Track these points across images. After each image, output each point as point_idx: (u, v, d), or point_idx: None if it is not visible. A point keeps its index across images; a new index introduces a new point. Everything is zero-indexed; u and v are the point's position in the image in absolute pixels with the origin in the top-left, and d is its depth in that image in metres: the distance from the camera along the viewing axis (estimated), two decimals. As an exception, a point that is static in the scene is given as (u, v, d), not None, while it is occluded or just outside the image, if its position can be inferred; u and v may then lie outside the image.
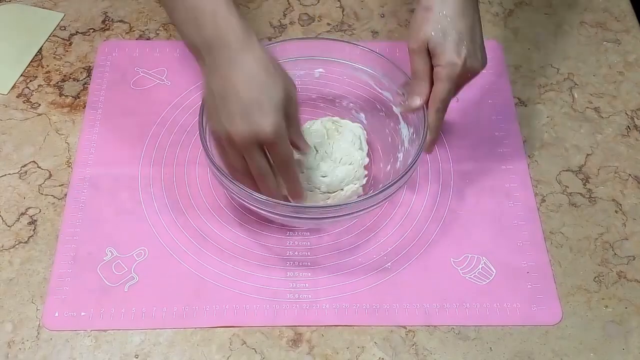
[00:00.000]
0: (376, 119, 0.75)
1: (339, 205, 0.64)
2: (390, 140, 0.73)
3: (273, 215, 0.63)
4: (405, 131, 0.71)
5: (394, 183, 0.62)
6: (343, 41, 0.73)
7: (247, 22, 0.58)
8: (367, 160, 0.70)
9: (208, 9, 0.57)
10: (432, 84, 0.66)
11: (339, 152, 0.68)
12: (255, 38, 0.58)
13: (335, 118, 0.72)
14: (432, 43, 0.64)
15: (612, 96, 0.81)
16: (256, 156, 0.59)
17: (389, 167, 0.72)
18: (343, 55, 0.72)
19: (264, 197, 0.61)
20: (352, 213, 0.63)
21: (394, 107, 0.72)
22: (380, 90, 0.73)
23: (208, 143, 0.64)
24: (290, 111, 0.59)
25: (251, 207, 0.63)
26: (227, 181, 0.62)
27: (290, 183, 0.62)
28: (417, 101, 0.66)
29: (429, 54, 0.65)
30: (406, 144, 0.70)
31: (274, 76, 0.57)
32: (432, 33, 0.63)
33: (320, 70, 0.74)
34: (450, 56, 0.63)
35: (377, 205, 0.64)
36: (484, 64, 0.66)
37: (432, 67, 0.65)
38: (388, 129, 0.74)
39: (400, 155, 0.71)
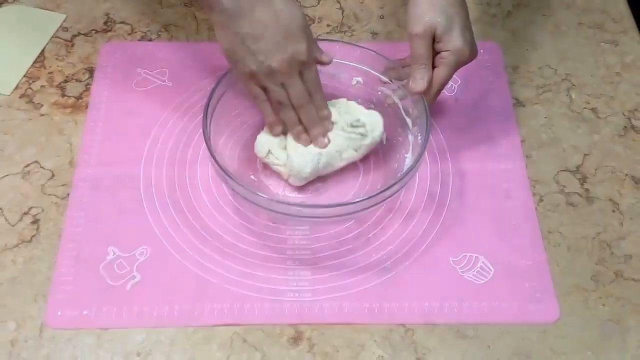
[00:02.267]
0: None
1: (340, 205, 0.65)
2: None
3: (273, 214, 0.64)
4: (407, 131, 0.72)
5: (395, 184, 0.63)
6: (343, 42, 0.74)
7: None
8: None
9: None
10: (432, 67, 0.67)
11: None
12: None
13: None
14: (440, 29, 0.65)
15: (610, 97, 0.81)
16: (296, 81, 0.65)
17: (388, 167, 0.73)
18: (343, 56, 0.73)
19: (265, 195, 0.62)
20: (352, 213, 0.64)
21: (390, 96, 0.73)
22: (379, 90, 0.73)
23: (211, 142, 0.65)
24: (308, 33, 0.64)
25: (252, 205, 0.64)
26: (229, 179, 0.63)
27: (322, 102, 0.68)
28: (421, 85, 0.67)
29: (432, 39, 0.66)
30: (411, 144, 0.71)
31: (292, 5, 0.63)
32: (440, 19, 0.65)
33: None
34: (459, 43, 0.65)
35: (377, 206, 0.65)
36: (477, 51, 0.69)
37: (431, 51, 0.67)
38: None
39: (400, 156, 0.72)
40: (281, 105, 0.66)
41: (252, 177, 0.72)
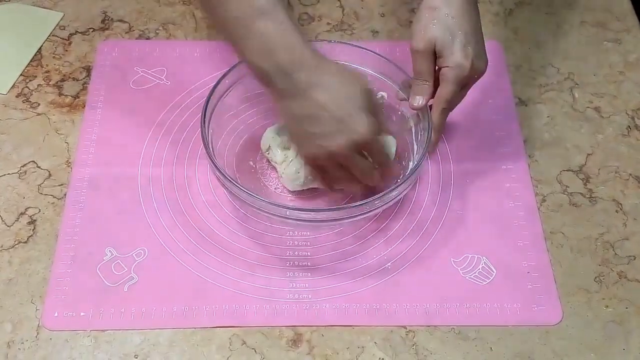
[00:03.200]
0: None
1: (340, 208, 0.64)
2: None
3: (272, 216, 0.63)
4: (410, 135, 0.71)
5: (397, 187, 0.62)
6: (343, 43, 0.73)
7: (310, 41, 0.59)
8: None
9: (279, 33, 0.57)
10: (435, 84, 0.66)
11: None
12: (322, 55, 0.59)
13: None
14: (440, 44, 0.64)
15: (613, 96, 0.81)
16: (358, 161, 0.61)
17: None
18: (343, 56, 0.72)
19: (264, 198, 0.61)
20: (354, 216, 0.63)
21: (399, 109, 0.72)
22: (400, 110, 0.73)
23: (209, 143, 0.65)
24: (372, 105, 0.61)
25: (251, 208, 0.63)
26: (227, 182, 0.62)
27: (388, 168, 0.66)
28: (420, 101, 0.66)
29: (434, 54, 0.65)
30: (415, 146, 0.70)
31: (351, 82, 0.59)
32: (439, 34, 0.63)
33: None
34: (458, 58, 0.63)
35: (378, 209, 0.64)
36: (487, 64, 0.67)
37: (435, 67, 0.66)
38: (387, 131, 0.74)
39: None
40: (342, 179, 0.64)
41: (251, 170, 0.71)
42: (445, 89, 0.65)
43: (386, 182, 0.66)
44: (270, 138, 0.70)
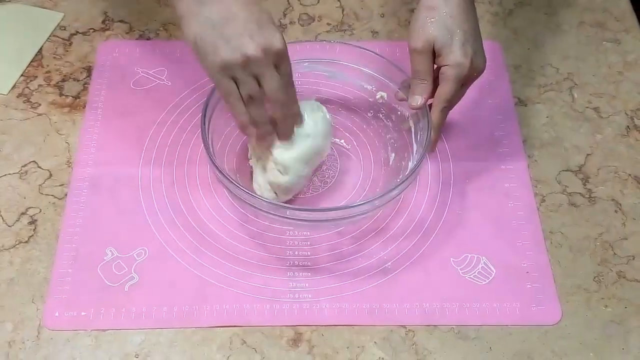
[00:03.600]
0: (376, 121, 0.75)
1: (340, 208, 0.64)
2: (386, 142, 0.74)
3: (272, 216, 0.63)
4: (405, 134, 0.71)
5: (397, 187, 0.62)
6: (343, 43, 0.73)
7: None
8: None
9: None
10: (433, 83, 0.66)
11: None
12: None
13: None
14: (439, 43, 0.63)
15: (612, 96, 0.81)
16: (273, 73, 0.59)
17: (389, 167, 0.73)
18: (343, 56, 0.73)
19: (264, 198, 0.61)
20: (354, 216, 0.63)
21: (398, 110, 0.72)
22: (399, 110, 0.73)
23: (210, 143, 0.65)
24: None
25: (251, 207, 0.64)
26: (227, 182, 0.62)
27: (293, 98, 0.63)
28: (419, 101, 0.66)
29: (432, 54, 0.65)
30: (414, 146, 0.70)
31: (258, 3, 0.59)
32: (438, 33, 0.63)
33: (321, 72, 0.74)
34: (458, 56, 0.63)
35: (377, 209, 0.64)
36: (486, 62, 0.67)
37: (433, 67, 0.66)
38: (386, 131, 0.74)
39: (400, 160, 0.71)
40: (253, 100, 0.61)
41: (251, 171, 0.72)
42: (445, 88, 0.65)
43: (293, 115, 0.64)
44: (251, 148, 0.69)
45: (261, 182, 0.67)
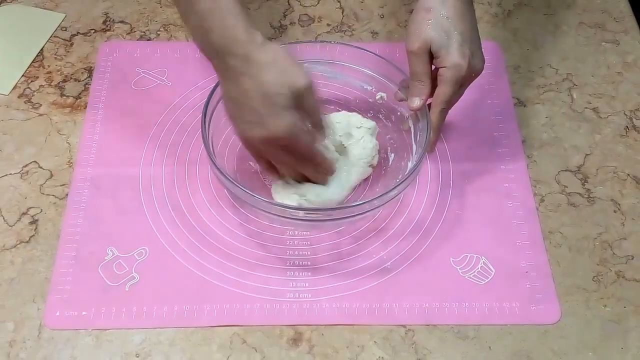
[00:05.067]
0: (376, 121, 0.75)
1: (340, 207, 0.64)
2: (389, 142, 0.74)
3: (273, 216, 0.64)
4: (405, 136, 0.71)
5: (396, 187, 0.63)
6: (343, 44, 0.74)
7: (253, 25, 0.58)
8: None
9: (216, 15, 0.57)
10: (431, 84, 0.66)
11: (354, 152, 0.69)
12: (262, 41, 0.57)
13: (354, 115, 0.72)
14: (436, 45, 0.64)
15: (611, 96, 0.81)
16: (280, 155, 0.61)
17: (389, 168, 0.73)
18: (343, 57, 0.73)
19: (264, 198, 0.62)
20: (354, 216, 0.64)
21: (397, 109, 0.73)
22: (399, 110, 0.73)
23: (210, 143, 0.65)
24: (306, 102, 0.59)
25: (252, 208, 0.64)
26: (228, 182, 0.62)
27: (319, 167, 0.64)
28: (417, 102, 0.66)
29: (430, 55, 0.65)
30: (414, 147, 0.71)
31: (281, 77, 0.57)
32: (435, 34, 0.63)
33: (321, 73, 0.74)
34: (455, 58, 0.63)
35: (378, 208, 0.64)
36: (484, 63, 0.67)
37: (431, 68, 0.66)
38: (386, 131, 0.74)
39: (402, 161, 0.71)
40: (270, 165, 0.64)
41: (251, 170, 0.72)
42: (443, 90, 0.65)
43: (323, 176, 0.66)
44: None
45: (288, 194, 0.67)
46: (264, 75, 0.56)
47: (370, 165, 0.70)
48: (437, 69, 0.66)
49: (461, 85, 0.65)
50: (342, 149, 0.69)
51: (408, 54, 0.66)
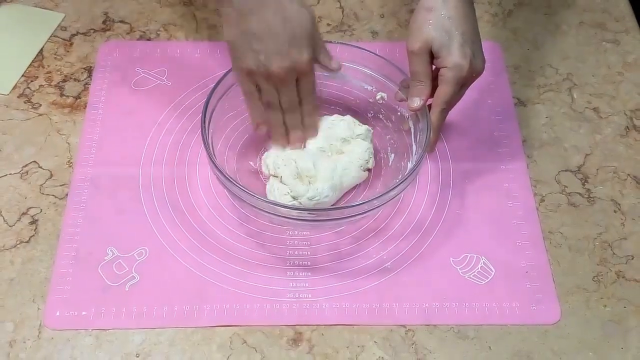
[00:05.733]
0: (376, 121, 0.75)
1: (340, 207, 0.64)
2: (387, 142, 0.74)
3: (273, 216, 0.64)
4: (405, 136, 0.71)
5: (396, 187, 0.63)
6: (343, 43, 0.73)
7: None
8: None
9: None
10: (432, 84, 0.66)
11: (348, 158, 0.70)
12: None
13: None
14: (437, 45, 0.64)
15: (611, 96, 0.81)
16: (290, 88, 0.64)
17: (389, 168, 0.73)
18: (343, 57, 0.73)
19: (264, 198, 0.62)
20: (353, 216, 0.63)
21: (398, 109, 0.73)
22: (399, 110, 0.73)
23: (210, 143, 0.65)
24: (316, 39, 0.63)
25: (252, 208, 0.64)
26: (227, 182, 0.62)
27: (312, 110, 0.68)
28: (418, 102, 0.66)
29: (430, 55, 0.65)
30: (414, 147, 0.70)
31: (299, 10, 0.61)
32: (436, 35, 0.63)
33: (322, 72, 0.74)
34: (456, 58, 0.63)
35: (377, 209, 0.64)
36: (485, 63, 0.67)
37: (432, 68, 0.66)
38: (386, 131, 0.74)
39: (399, 160, 0.71)
40: (270, 106, 0.66)
41: (251, 170, 0.72)
42: (444, 90, 0.65)
43: (304, 128, 0.68)
44: (268, 164, 0.69)
45: (282, 191, 0.67)
46: (287, 10, 0.60)
47: (365, 169, 0.70)
48: (437, 69, 0.66)
49: (462, 85, 0.65)
50: (335, 153, 0.69)
51: (409, 53, 0.66)
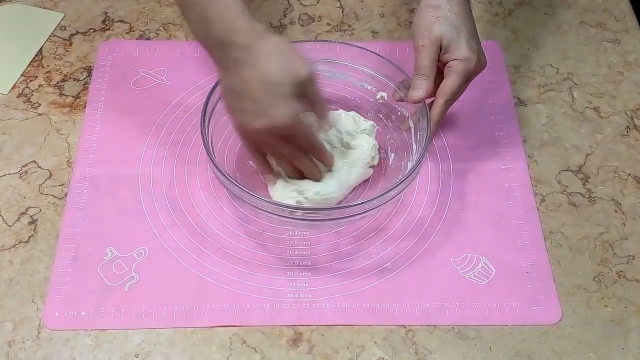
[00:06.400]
0: (376, 121, 0.75)
1: (339, 208, 0.64)
2: (388, 142, 0.74)
3: (272, 216, 0.64)
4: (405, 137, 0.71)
5: (396, 187, 0.62)
6: (343, 43, 0.73)
7: (254, 16, 0.58)
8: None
9: (218, 6, 0.57)
10: (435, 79, 0.67)
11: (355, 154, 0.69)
12: (263, 31, 0.58)
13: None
14: (447, 39, 0.66)
15: (612, 96, 0.81)
16: (280, 146, 0.62)
17: (389, 167, 0.73)
18: (343, 56, 0.73)
19: (264, 198, 0.62)
20: (353, 216, 0.63)
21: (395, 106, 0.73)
22: (399, 110, 0.73)
23: (209, 143, 0.65)
24: (309, 91, 0.60)
25: (251, 207, 0.64)
26: (227, 181, 0.62)
27: (319, 156, 0.65)
28: (420, 93, 0.66)
29: (439, 50, 0.66)
30: (414, 147, 0.70)
31: (283, 67, 0.57)
32: (446, 30, 0.66)
33: (322, 72, 0.74)
34: (465, 51, 0.66)
35: (378, 208, 0.64)
36: (486, 60, 0.69)
37: (436, 63, 0.67)
38: (386, 131, 0.74)
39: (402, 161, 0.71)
40: (274, 156, 0.65)
41: (251, 170, 0.72)
42: (452, 80, 0.66)
43: (326, 164, 0.66)
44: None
45: (287, 192, 0.67)
46: (266, 65, 0.57)
47: (370, 166, 0.70)
48: (442, 64, 0.67)
49: (467, 79, 0.67)
50: (342, 149, 0.69)
51: (417, 48, 0.67)
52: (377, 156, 0.70)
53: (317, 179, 0.66)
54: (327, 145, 0.68)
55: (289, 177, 0.67)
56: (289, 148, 0.62)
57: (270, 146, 0.63)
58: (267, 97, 0.57)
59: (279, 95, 0.57)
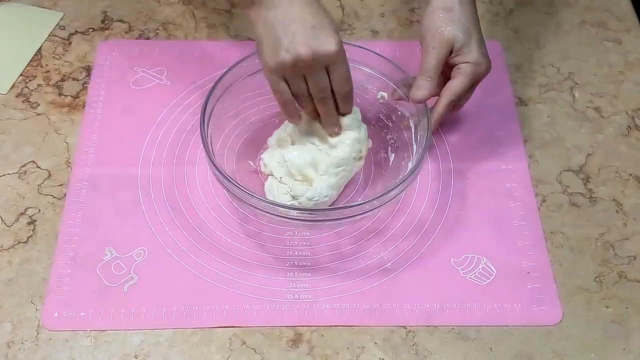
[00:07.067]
0: (376, 121, 0.75)
1: (339, 208, 0.64)
2: (387, 143, 0.73)
3: (272, 216, 0.63)
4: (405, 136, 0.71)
5: (396, 187, 0.62)
6: (343, 42, 0.73)
7: None
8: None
9: None
10: (439, 80, 0.67)
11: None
12: None
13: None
14: (459, 42, 0.67)
15: (613, 96, 0.81)
16: (320, 75, 0.62)
17: (389, 168, 0.72)
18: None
19: (263, 198, 0.61)
20: (354, 216, 0.63)
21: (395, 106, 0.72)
22: (400, 110, 0.73)
23: (209, 143, 0.64)
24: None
25: (251, 208, 0.63)
26: (227, 182, 0.62)
27: (347, 97, 0.65)
28: (422, 94, 0.66)
29: (448, 53, 0.67)
30: (414, 147, 0.70)
31: (326, 11, 0.62)
32: (458, 33, 0.66)
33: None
34: (477, 55, 0.67)
35: (377, 209, 0.64)
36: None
37: (442, 65, 0.67)
38: (386, 131, 0.74)
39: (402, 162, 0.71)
40: (300, 98, 0.64)
41: (251, 170, 0.71)
42: (459, 81, 0.67)
43: (344, 110, 0.66)
44: (266, 165, 0.68)
45: (281, 191, 0.66)
46: (316, 6, 0.61)
47: (360, 158, 0.68)
48: (448, 67, 0.68)
49: (474, 83, 0.68)
50: (326, 149, 0.67)
51: (426, 49, 0.67)
52: (365, 145, 0.68)
53: (333, 131, 0.66)
54: (312, 147, 0.67)
55: (309, 117, 0.66)
56: (320, 82, 0.62)
57: (303, 80, 0.62)
58: (317, 25, 0.60)
59: (328, 25, 0.60)
